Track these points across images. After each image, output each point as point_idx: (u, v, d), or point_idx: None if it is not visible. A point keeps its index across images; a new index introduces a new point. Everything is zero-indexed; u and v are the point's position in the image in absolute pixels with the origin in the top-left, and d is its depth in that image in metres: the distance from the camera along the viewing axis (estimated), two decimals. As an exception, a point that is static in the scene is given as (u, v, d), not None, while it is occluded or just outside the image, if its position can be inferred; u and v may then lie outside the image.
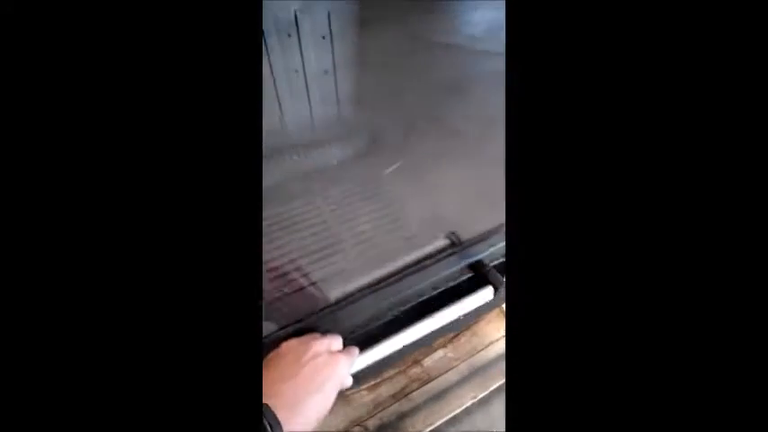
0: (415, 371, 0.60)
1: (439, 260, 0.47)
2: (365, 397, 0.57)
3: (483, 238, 0.50)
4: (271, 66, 0.38)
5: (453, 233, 0.51)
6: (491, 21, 0.68)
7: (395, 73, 0.54)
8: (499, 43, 0.66)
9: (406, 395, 0.57)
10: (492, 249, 0.50)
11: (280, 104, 0.41)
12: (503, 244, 0.51)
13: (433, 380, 0.58)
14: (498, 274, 0.49)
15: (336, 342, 0.39)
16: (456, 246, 0.50)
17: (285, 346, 0.37)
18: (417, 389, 0.58)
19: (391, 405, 0.56)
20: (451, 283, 0.50)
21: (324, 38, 0.39)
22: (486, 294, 0.48)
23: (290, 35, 0.38)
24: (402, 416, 0.55)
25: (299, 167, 0.49)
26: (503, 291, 0.48)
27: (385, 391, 0.58)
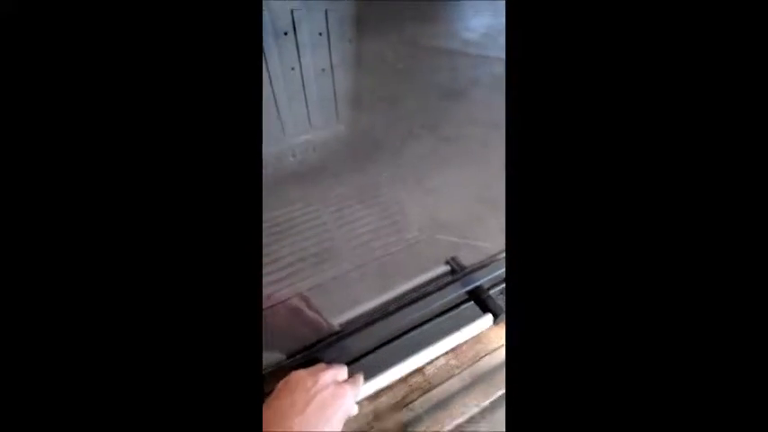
0: (416, 379, 0.58)
1: (439, 287, 0.48)
2: (365, 407, 0.55)
3: (483, 264, 0.51)
4: (266, 63, 0.38)
5: (453, 259, 0.53)
6: (489, 26, 0.68)
7: (393, 75, 0.54)
8: (496, 48, 0.67)
9: (406, 404, 0.55)
10: (491, 276, 0.52)
11: (276, 103, 0.40)
12: (502, 270, 0.52)
13: (434, 388, 0.57)
14: (497, 302, 0.51)
15: (342, 372, 0.41)
16: (456, 272, 0.52)
17: (294, 376, 0.38)
18: (418, 397, 0.56)
19: (392, 415, 0.54)
20: (451, 309, 0.53)
21: (321, 34, 0.39)
22: (486, 321, 0.50)
23: (286, 33, 0.37)
24: (403, 426, 0.53)
25: (295, 169, 0.48)
26: (503, 316, 0.49)
27: (385, 400, 0.56)
